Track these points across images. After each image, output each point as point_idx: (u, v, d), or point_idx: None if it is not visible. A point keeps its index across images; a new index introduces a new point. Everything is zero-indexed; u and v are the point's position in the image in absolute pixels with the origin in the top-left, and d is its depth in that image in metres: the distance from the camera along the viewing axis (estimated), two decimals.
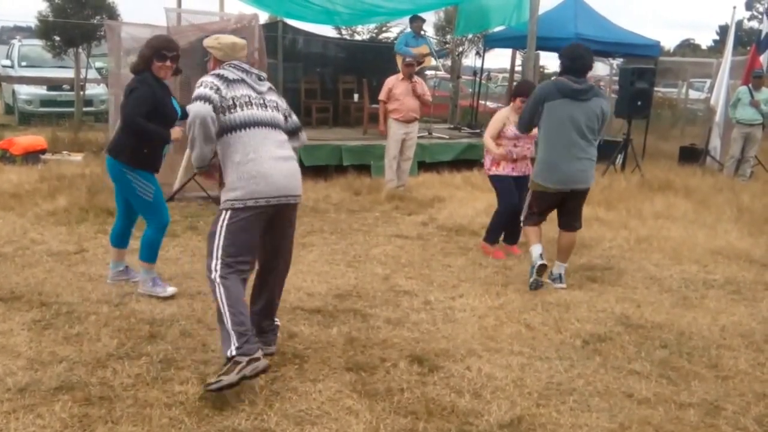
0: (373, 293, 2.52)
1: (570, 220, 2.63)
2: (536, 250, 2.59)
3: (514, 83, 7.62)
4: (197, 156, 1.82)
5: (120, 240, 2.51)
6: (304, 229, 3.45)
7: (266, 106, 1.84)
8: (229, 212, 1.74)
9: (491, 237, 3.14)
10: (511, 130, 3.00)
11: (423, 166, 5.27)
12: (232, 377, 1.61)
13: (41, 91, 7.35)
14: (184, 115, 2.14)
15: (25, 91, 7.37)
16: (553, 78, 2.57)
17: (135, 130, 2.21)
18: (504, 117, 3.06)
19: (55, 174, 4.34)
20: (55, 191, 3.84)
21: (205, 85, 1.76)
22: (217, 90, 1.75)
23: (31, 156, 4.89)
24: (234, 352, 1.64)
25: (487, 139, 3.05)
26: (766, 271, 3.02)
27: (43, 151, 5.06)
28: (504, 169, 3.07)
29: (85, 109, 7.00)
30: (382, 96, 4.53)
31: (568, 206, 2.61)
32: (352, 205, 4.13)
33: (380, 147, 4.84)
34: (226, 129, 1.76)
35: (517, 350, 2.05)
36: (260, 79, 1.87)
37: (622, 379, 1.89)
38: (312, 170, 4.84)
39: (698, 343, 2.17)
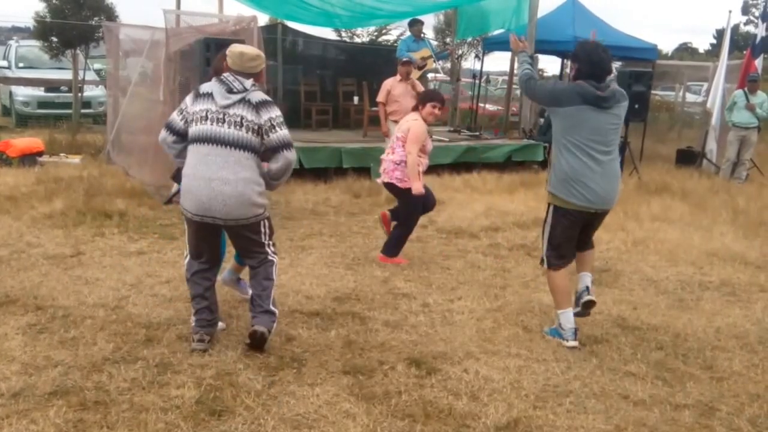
0: (372, 296, 2.52)
1: (587, 242, 2.21)
2: (570, 318, 2.10)
3: (514, 86, 7.68)
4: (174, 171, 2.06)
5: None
6: (304, 231, 3.44)
7: (224, 121, 1.81)
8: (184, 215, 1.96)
9: (397, 251, 2.91)
10: (430, 144, 2.86)
11: None
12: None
13: (38, 92, 7.31)
14: None
15: (22, 92, 7.33)
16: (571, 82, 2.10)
17: None
18: (424, 129, 2.81)
19: (52, 176, 4.32)
20: (52, 194, 3.82)
21: (180, 104, 1.93)
22: (183, 110, 1.91)
23: (28, 158, 4.87)
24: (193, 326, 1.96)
25: (414, 157, 2.74)
26: (760, 273, 3.03)
27: (40, 154, 5.04)
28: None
29: (83, 110, 6.94)
30: (380, 98, 4.54)
31: (588, 231, 2.18)
32: (351, 208, 4.13)
33: (380, 149, 4.80)
34: (189, 140, 1.91)
35: (514, 352, 2.06)
36: (231, 92, 1.82)
37: (618, 380, 1.89)
38: (312, 173, 4.84)
39: (693, 344, 2.18)
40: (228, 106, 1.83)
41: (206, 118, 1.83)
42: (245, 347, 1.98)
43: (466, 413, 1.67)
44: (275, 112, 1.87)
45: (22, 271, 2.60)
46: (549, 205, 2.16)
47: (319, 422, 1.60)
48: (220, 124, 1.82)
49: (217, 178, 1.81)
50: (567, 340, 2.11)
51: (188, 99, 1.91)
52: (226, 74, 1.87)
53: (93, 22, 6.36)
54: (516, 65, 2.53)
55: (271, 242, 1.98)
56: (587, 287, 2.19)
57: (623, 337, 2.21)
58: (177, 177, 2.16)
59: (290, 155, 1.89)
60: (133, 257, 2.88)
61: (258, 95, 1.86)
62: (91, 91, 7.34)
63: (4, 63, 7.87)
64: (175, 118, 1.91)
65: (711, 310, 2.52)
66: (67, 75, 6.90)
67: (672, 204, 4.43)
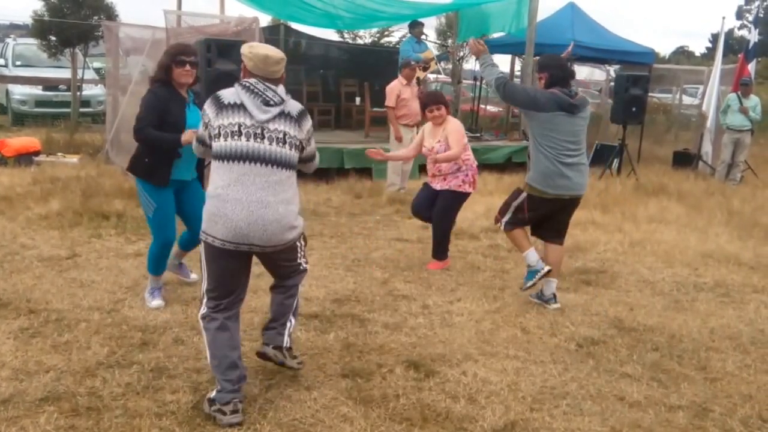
0: (372, 298, 2.51)
1: (559, 233, 2.46)
2: (534, 254, 2.44)
3: None
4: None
5: (185, 244, 2.44)
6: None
7: (263, 137, 1.57)
8: (203, 243, 1.63)
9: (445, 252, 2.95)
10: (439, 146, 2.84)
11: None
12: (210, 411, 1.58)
13: (36, 91, 7.25)
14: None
15: (19, 91, 7.26)
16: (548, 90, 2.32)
17: (138, 137, 2.21)
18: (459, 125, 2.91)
19: (49, 176, 4.28)
20: (48, 194, 3.79)
21: (202, 118, 1.65)
22: (207, 123, 1.63)
23: (24, 158, 4.83)
24: (212, 395, 1.61)
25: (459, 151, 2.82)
26: (753, 274, 3.05)
27: (37, 153, 5.00)
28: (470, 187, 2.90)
29: (81, 110, 6.89)
30: (390, 102, 4.51)
31: (559, 217, 2.43)
32: (353, 209, 4.13)
33: (382, 150, 4.82)
34: (213, 155, 1.63)
35: (512, 354, 2.05)
36: (268, 104, 1.59)
37: (614, 382, 1.90)
38: (313, 173, 4.80)
39: (688, 345, 2.19)
40: (267, 121, 1.58)
41: (240, 133, 1.56)
42: (242, 351, 1.93)
43: (464, 416, 1.66)
44: (310, 121, 1.71)
45: (15, 274, 2.57)
46: (523, 191, 2.44)
47: (316, 426, 1.59)
48: (259, 140, 1.56)
49: (255, 201, 1.55)
50: (542, 269, 2.41)
51: (209, 111, 1.62)
52: (252, 81, 1.61)
53: (92, 21, 6.32)
54: (480, 68, 2.49)
55: (304, 254, 1.75)
56: (554, 295, 2.46)
57: (620, 339, 2.21)
58: (137, 168, 2.10)
59: (317, 162, 1.80)
60: (130, 259, 2.85)
61: (296, 106, 1.65)
62: (90, 90, 7.30)
63: (1, 61, 7.80)
64: (202, 133, 1.66)
65: (705, 311, 2.53)
66: (65, 74, 6.84)
67: (669, 205, 4.46)
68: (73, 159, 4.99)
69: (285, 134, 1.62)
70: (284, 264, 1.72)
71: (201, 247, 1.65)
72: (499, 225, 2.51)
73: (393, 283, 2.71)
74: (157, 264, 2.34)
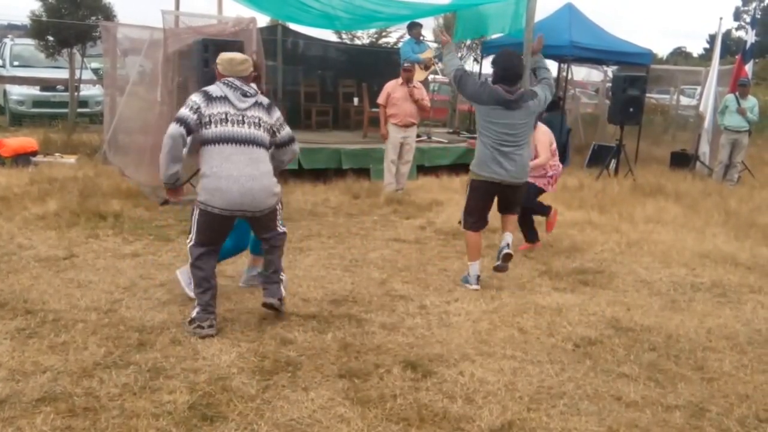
0: (369, 298, 2.51)
1: (507, 208, 2.73)
2: (475, 270, 2.66)
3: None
4: (164, 174, 2.04)
5: (254, 246, 2.45)
6: (302, 233, 3.43)
7: (244, 123, 2.00)
8: (198, 209, 2.06)
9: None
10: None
11: (422, 169, 5.27)
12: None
13: (34, 91, 7.23)
14: None
15: (16, 91, 7.25)
16: (489, 83, 2.62)
17: None
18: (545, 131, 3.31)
19: (46, 177, 4.27)
20: (46, 194, 3.78)
21: (187, 104, 2.00)
22: (197, 109, 1.99)
23: (21, 158, 4.81)
24: (192, 315, 2.07)
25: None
26: (750, 274, 3.06)
27: (34, 153, 4.98)
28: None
29: (79, 110, 6.87)
30: (380, 100, 4.55)
31: (502, 199, 2.69)
32: (350, 209, 4.12)
33: (380, 150, 4.83)
34: (202, 142, 2.01)
35: (509, 354, 2.06)
36: (245, 96, 2.03)
37: (611, 382, 1.90)
38: (311, 173, 4.81)
39: (685, 345, 2.20)
40: (246, 109, 2.03)
41: (227, 120, 1.99)
42: (239, 351, 1.97)
43: (461, 416, 1.66)
44: (278, 111, 2.14)
45: (12, 274, 2.56)
46: (469, 180, 2.70)
47: (313, 427, 1.59)
48: (241, 125, 2.00)
49: (244, 175, 1.99)
50: (471, 284, 2.65)
51: (198, 100, 2.00)
52: (230, 79, 2.04)
53: (90, 22, 6.31)
54: (444, 59, 2.71)
55: (281, 218, 2.19)
56: (507, 243, 2.70)
57: (617, 339, 2.22)
58: (176, 189, 2.14)
59: (296, 147, 2.23)
60: (128, 259, 2.85)
61: (265, 98, 2.10)
62: (88, 91, 7.28)
63: None
64: (189, 114, 1.97)
65: (702, 311, 2.54)
66: (63, 74, 6.81)
67: (666, 206, 4.46)
68: (71, 159, 4.99)
69: (260, 119, 2.05)
70: (267, 223, 2.15)
71: (196, 212, 2.07)
72: (460, 223, 2.78)
73: (390, 283, 2.71)
74: (255, 243, 2.38)
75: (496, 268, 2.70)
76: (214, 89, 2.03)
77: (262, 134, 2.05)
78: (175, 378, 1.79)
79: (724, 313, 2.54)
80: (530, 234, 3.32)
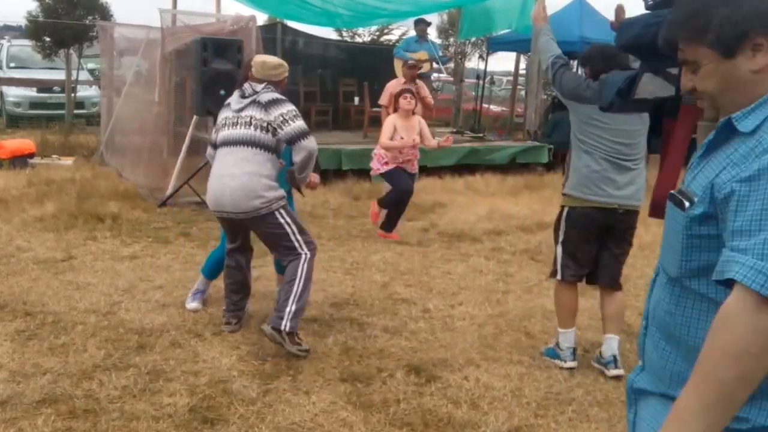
0: (371, 301, 2.48)
1: (612, 271, 1.92)
2: (570, 339, 1.92)
3: (519, 87, 7.55)
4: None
5: (277, 263, 2.30)
6: None
7: (236, 124, 1.98)
8: None
9: (391, 225, 3.40)
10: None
11: (424, 170, 5.14)
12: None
13: (31, 92, 7.20)
14: None
15: (13, 93, 7.21)
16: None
17: None
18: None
19: (44, 179, 4.25)
20: (43, 196, 3.75)
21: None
22: (216, 122, 2.11)
23: (19, 160, 4.79)
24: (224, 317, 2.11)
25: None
26: None
27: (31, 155, 4.97)
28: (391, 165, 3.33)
29: (76, 111, 6.86)
30: (383, 101, 4.47)
31: (609, 244, 1.90)
32: (351, 211, 4.09)
33: None
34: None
35: (516, 359, 2.02)
36: (243, 97, 2.00)
37: (621, 388, 1.86)
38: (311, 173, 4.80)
39: None
40: (240, 110, 1.98)
41: (225, 124, 2.01)
42: (240, 354, 1.94)
43: (466, 422, 1.63)
44: (286, 108, 1.96)
45: (11, 276, 2.54)
46: (563, 207, 1.96)
47: (315, 431, 1.56)
48: (234, 127, 1.98)
49: (226, 174, 1.94)
50: (565, 361, 1.95)
51: (221, 113, 2.10)
52: (247, 84, 2.03)
53: (87, 21, 6.28)
54: (540, 41, 1.98)
55: (299, 234, 1.98)
56: (614, 357, 1.89)
57: (628, 344, 2.16)
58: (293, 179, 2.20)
59: (307, 143, 1.95)
60: (126, 261, 2.82)
61: (268, 95, 1.98)
62: (84, 92, 7.26)
63: None
64: (213, 134, 2.10)
65: None
66: (59, 75, 6.82)
67: None
68: (68, 161, 4.96)
69: (251, 117, 1.96)
70: (270, 231, 1.99)
71: None
72: (554, 277, 1.96)
73: (393, 286, 2.67)
74: (213, 268, 2.30)
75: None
76: (233, 96, 2.07)
77: (253, 133, 1.93)
78: (175, 380, 1.76)
79: None
80: (391, 223, 3.34)
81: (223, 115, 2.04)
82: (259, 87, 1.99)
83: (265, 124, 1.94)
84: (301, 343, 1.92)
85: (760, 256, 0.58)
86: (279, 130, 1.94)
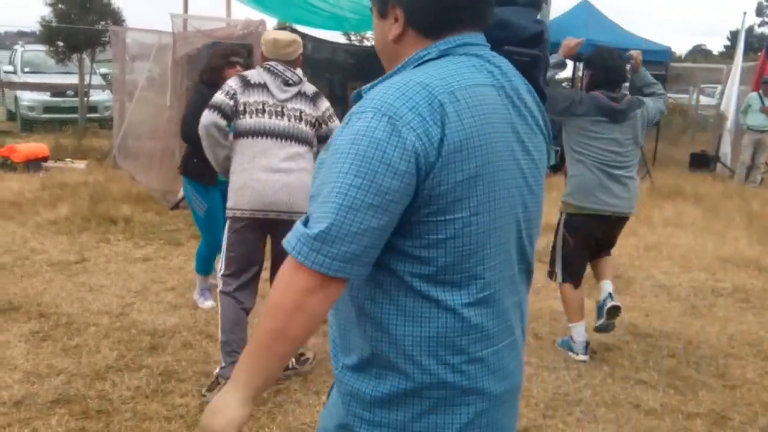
0: None
1: (607, 248, 2.10)
2: (581, 331, 2.01)
3: None
4: (217, 166, 1.77)
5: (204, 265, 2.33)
6: None
7: (283, 115, 1.70)
8: (229, 220, 1.74)
9: None
10: None
11: None
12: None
13: (44, 97, 7.31)
14: None
15: (27, 97, 7.31)
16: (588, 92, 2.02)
17: (186, 138, 2.23)
18: None
19: (58, 182, 4.33)
20: (57, 199, 3.82)
21: (223, 89, 1.71)
22: (233, 95, 1.69)
23: (33, 164, 4.86)
24: (217, 371, 1.72)
25: None
26: None
27: (45, 159, 5.03)
28: None
29: (89, 115, 6.94)
30: None
31: (607, 238, 2.07)
32: None
33: None
34: (235, 134, 1.72)
35: (524, 360, 1.99)
36: (287, 84, 1.71)
37: (629, 389, 1.85)
38: None
39: (706, 352, 2.13)
40: (286, 100, 1.71)
41: (264, 111, 1.69)
42: None
43: None
44: (327, 102, 1.81)
45: (25, 278, 2.59)
46: (561, 214, 2.05)
47: None
48: (279, 117, 1.69)
49: (280, 170, 1.67)
50: (577, 354, 2.04)
51: (234, 85, 1.69)
52: (273, 64, 1.71)
53: (100, 26, 6.39)
54: (551, 66, 1.95)
55: None
56: (610, 294, 2.05)
57: (635, 345, 2.16)
58: (187, 168, 2.10)
59: None
60: (138, 263, 2.86)
61: (311, 87, 1.78)
62: (97, 96, 7.34)
63: (10, 68, 7.89)
64: (224, 99, 1.67)
65: (724, 317, 2.46)
66: (73, 79, 6.88)
67: (685, 208, 4.36)
68: (81, 164, 5.03)
69: (301, 112, 1.74)
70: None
71: (227, 225, 1.73)
72: (555, 279, 2.09)
73: None
74: (205, 264, 2.33)
75: (601, 329, 2.03)
76: (253, 74, 1.72)
77: (304, 128, 1.71)
78: (187, 381, 1.79)
79: (747, 319, 2.46)
80: None
81: (258, 97, 1.68)
82: (300, 73, 1.73)
83: (313, 120, 1.74)
84: (303, 352, 1.87)
85: (303, 221, 0.65)
86: (324, 126, 1.75)
